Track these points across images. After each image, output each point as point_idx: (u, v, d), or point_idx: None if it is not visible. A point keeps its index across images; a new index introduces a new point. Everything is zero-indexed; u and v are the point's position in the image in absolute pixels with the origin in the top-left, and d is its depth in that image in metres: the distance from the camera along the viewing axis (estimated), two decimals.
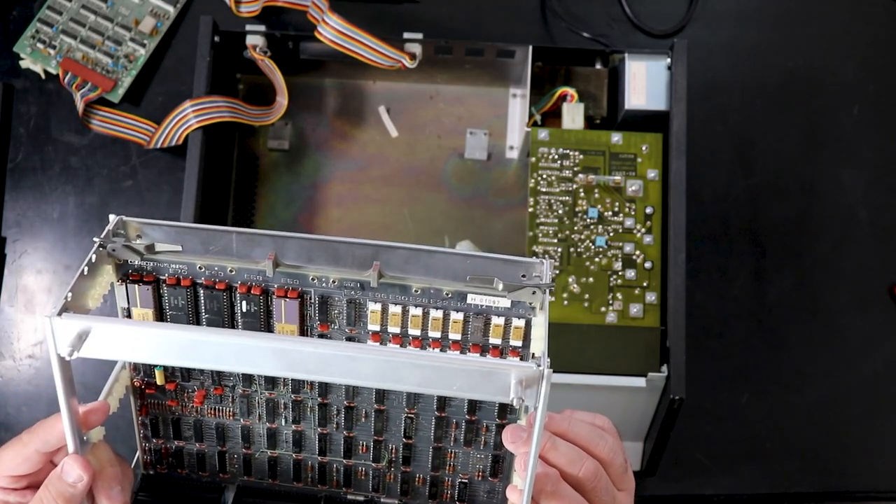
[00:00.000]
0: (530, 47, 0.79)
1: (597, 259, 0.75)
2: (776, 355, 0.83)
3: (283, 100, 0.81)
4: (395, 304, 0.45)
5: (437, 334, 0.46)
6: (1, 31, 0.86)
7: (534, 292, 0.44)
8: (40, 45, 0.84)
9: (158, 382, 0.49)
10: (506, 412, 0.49)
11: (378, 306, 0.45)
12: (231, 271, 0.45)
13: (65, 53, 0.84)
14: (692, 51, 0.77)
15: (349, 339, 0.47)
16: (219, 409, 0.51)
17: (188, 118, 0.77)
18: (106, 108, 0.84)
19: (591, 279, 0.75)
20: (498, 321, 0.45)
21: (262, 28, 0.79)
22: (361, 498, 0.53)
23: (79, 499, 0.44)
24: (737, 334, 0.83)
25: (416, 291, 0.45)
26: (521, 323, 0.45)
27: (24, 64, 0.84)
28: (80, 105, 0.81)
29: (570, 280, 0.75)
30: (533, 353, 0.45)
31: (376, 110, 0.85)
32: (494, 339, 0.46)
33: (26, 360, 0.81)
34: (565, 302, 0.75)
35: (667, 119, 0.77)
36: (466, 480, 0.52)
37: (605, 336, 0.74)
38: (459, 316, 0.45)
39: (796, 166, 0.86)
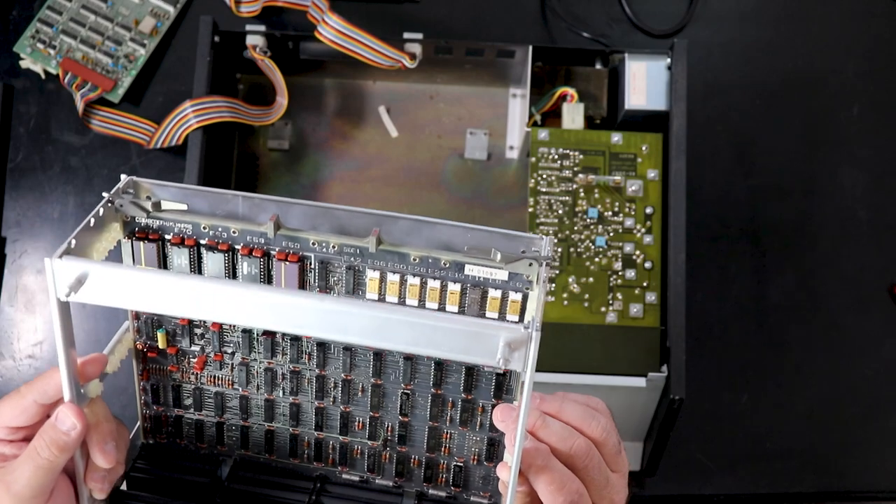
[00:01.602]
0: (530, 47, 0.79)
1: (597, 259, 0.75)
2: (776, 355, 0.83)
3: (283, 100, 0.81)
4: (394, 273, 0.46)
5: (435, 305, 0.46)
6: (1, 31, 0.86)
7: (530, 264, 0.44)
8: (40, 45, 0.84)
9: (160, 346, 0.50)
10: (502, 392, 0.49)
11: (377, 274, 0.46)
12: (234, 233, 0.46)
13: (65, 53, 0.84)
14: (692, 51, 0.77)
15: None
16: (218, 378, 0.51)
17: (188, 118, 0.77)
18: (106, 108, 0.84)
19: (591, 279, 0.75)
20: (495, 294, 0.45)
21: (262, 28, 0.79)
22: (356, 478, 0.53)
23: (72, 447, 0.44)
24: (737, 334, 0.83)
25: (414, 260, 0.45)
26: (518, 297, 0.45)
27: (24, 64, 0.84)
28: (80, 105, 0.81)
29: (570, 280, 0.75)
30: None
31: (376, 110, 0.85)
32: (491, 313, 0.46)
33: (26, 360, 0.81)
34: (565, 302, 0.75)
35: (667, 119, 0.77)
36: (462, 464, 0.52)
37: (605, 336, 0.74)
38: (457, 287, 0.45)
39: (796, 166, 0.86)
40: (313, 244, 0.46)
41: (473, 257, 0.44)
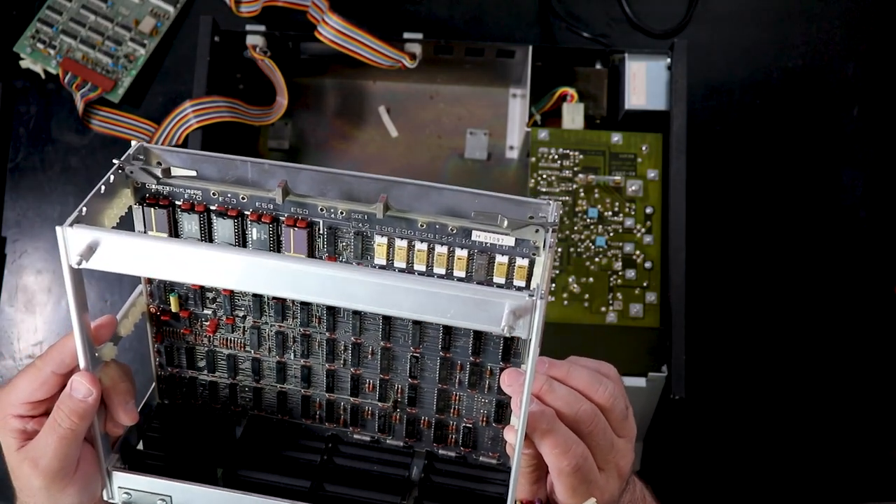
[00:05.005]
0: (530, 47, 0.79)
1: (597, 259, 0.75)
2: (776, 355, 0.83)
3: (283, 100, 0.81)
4: (401, 239, 0.46)
5: (442, 270, 0.47)
6: (1, 31, 0.86)
7: (537, 230, 0.44)
8: (40, 45, 0.84)
9: (173, 309, 0.51)
10: (509, 356, 0.49)
11: (384, 240, 0.46)
12: (243, 199, 0.46)
13: (65, 53, 0.84)
14: (692, 51, 0.77)
15: None
16: (230, 341, 0.52)
17: (188, 118, 0.77)
18: (106, 108, 0.84)
19: (591, 279, 0.75)
20: (502, 260, 0.46)
21: (262, 28, 0.79)
22: (367, 438, 0.54)
23: (90, 413, 0.45)
24: (737, 334, 0.83)
25: (421, 226, 0.46)
26: (525, 263, 0.45)
27: (24, 64, 0.84)
28: (80, 105, 0.81)
29: (570, 280, 0.75)
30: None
31: (376, 110, 0.85)
32: (498, 278, 0.46)
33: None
34: (565, 302, 0.75)
35: (667, 119, 0.77)
36: (471, 425, 0.52)
37: (605, 336, 0.74)
38: (464, 253, 0.46)
39: (796, 166, 0.86)
40: (321, 210, 0.46)
41: (480, 223, 0.45)
